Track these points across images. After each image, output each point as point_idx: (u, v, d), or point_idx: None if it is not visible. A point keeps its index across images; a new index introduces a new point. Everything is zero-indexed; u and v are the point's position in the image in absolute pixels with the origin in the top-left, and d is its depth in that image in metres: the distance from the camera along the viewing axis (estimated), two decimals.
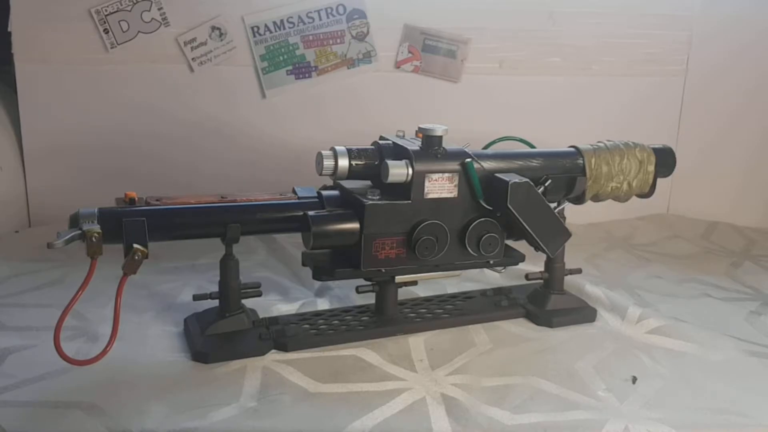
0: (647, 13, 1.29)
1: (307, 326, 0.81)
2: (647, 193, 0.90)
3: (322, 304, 0.90)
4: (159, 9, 1.15)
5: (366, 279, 0.81)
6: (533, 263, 0.91)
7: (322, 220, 0.75)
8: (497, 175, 0.78)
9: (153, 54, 1.16)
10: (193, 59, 1.17)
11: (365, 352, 0.77)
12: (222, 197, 0.77)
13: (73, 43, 1.14)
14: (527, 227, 0.76)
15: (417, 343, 0.80)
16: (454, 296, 0.92)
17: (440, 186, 0.77)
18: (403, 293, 0.86)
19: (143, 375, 0.71)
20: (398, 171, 0.75)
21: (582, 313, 0.89)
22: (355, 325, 0.82)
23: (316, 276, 0.79)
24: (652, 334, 0.84)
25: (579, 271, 0.92)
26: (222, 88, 1.20)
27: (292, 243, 1.11)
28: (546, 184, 0.82)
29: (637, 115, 1.32)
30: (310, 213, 0.76)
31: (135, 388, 0.68)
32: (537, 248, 0.79)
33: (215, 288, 0.79)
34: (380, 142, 0.81)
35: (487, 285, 0.97)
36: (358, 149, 0.79)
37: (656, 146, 0.91)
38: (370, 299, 0.86)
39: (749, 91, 1.35)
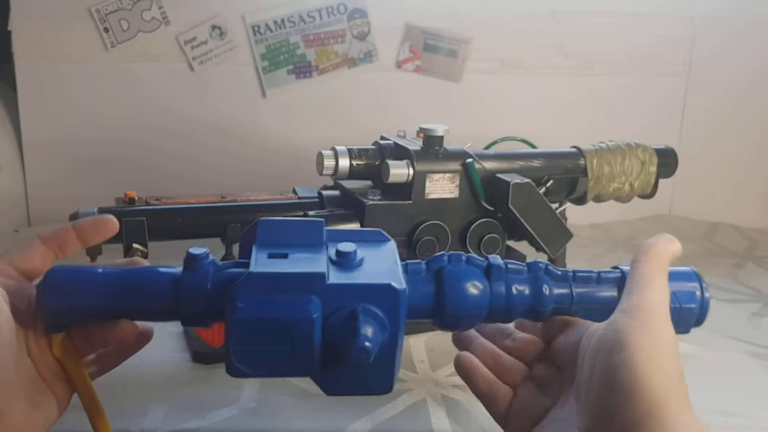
0: (650, 13, 1.29)
1: None
2: (649, 193, 0.90)
3: None
4: (159, 8, 1.15)
5: None
6: None
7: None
8: (498, 175, 0.78)
9: (153, 53, 1.16)
10: (193, 58, 1.17)
11: None
12: (222, 197, 0.77)
13: (73, 42, 1.13)
14: (528, 228, 0.76)
15: (418, 343, 0.80)
16: None
17: (441, 186, 0.77)
18: None
19: (143, 375, 0.70)
20: (399, 171, 0.75)
21: None
22: None
23: None
24: None
25: None
26: (222, 88, 1.19)
27: None
28: (547, 185, 0.82)
29: (639, 115, 1.32)
30: (311, 213, 0.75)
31: (134, 388, 0.67)
32: (538, 249, 0.79)
33: None
34: (381, 142, 0.81)
35: None
36: (358, 149, 0.78)
37: (658, 147, 0.90)
38: None
39: (752, 92, 1.34)
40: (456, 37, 1.24)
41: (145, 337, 0.54)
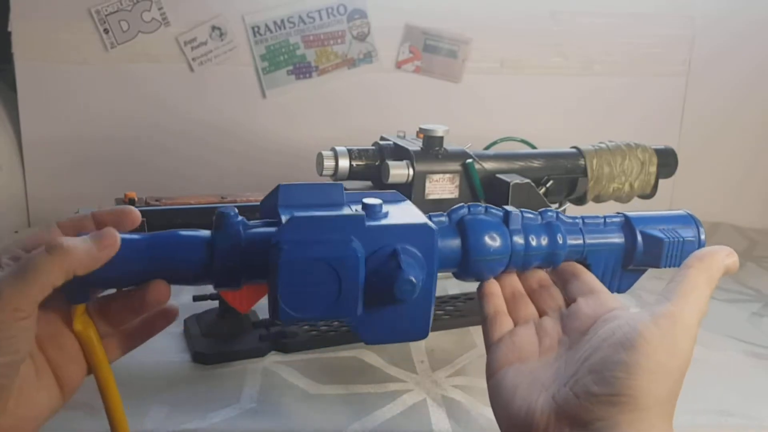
0: (650, 13, 1.29)
1: (307, 327, 0.81)
2: (649, 193, 0.90)
3: None
4: (159, 9, 1.15)
5: None
6: None
7: None
8: (498, 175, 0.78)
9: (153, 54, 1.16)
10: (193, 59, 1.17)
11: (366, 354, 0.77)
12: (222, 197, 0.77)
13: (73, 43, 1.14)
14: None
15: (417, 344, 0.80)
16: (455, 297, 0.92)
17: (441, 187, 0.77)
18: None
19: (142, 376, 0.70)
20: (399, 171, 0.75)
21: None
22: None
23: None
24: None
25: None
26: (222, 88, 1.20)
27: None
28: (547, 185, 0.82)
29: (639, 115, 1.32)
30: None
31: (134, 389, 0.67)
32: None
33: None
34: (381, 142, 0.81)
35: None
36: (358, 149, 0.78)
37: (658, 147, 0.90)
38: None
39: (752, 93, 1.35)
40: (456, 38, 1.24)
41: (172, 314, 0.54)
